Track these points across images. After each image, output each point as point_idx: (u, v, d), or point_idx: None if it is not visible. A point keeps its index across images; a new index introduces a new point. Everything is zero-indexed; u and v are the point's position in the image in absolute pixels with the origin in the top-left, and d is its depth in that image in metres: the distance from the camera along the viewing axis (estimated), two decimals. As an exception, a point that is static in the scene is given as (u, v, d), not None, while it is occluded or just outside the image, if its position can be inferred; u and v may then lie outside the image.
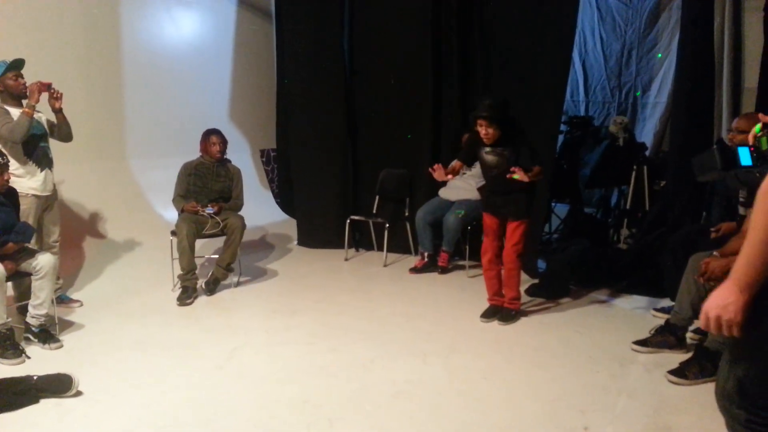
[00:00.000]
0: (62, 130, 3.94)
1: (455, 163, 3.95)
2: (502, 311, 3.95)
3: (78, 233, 5.00)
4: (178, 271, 4.38)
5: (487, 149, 3.80)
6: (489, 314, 3.97)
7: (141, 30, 5.63)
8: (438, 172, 3.80)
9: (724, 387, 1.61)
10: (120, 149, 5.59)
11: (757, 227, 1.36)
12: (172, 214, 4.87)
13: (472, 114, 3.78)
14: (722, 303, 1.45)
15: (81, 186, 5.09)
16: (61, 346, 3.43)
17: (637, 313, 4.09)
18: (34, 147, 3.77)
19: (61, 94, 3.82)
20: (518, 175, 3.57)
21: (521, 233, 3.78)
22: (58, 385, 2.81)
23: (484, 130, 3.71)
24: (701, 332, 3.46)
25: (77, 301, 4.17)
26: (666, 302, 4.06)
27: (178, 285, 4.38)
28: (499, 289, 3.98)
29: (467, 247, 5.00)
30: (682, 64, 4.66)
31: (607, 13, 7.15)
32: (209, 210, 4.45)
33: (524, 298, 4.24)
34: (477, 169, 4.91)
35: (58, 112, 3.86)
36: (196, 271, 4.39)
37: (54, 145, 3.97)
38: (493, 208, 3.90)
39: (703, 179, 2.28)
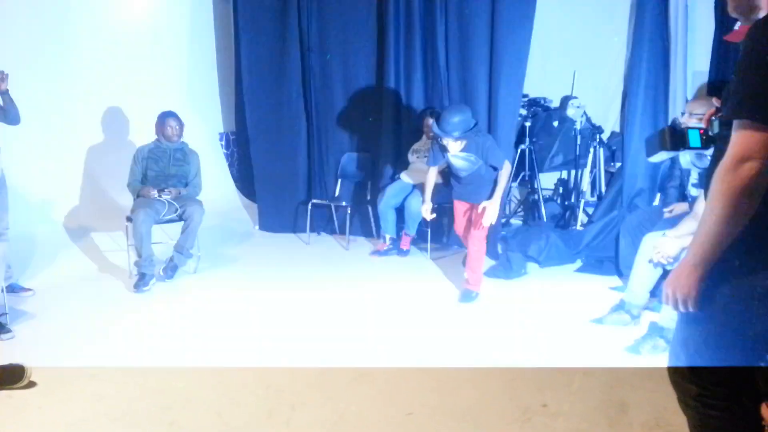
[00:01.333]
0: (9, 113, 3.78)
1: (431, 174, 4.00)
2: (463, 291, 4.00)
3: (29, 220, 4.83)
4: (134, 257, 4.27)
5: (455, 153, 3.85)
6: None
7: (92, 9, 5.43)
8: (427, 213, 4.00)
9: (676, 363, 1.67)
10: (71, 132, 5.41)
11: (710, 207, 1.42)
12: (127, 200, 4.74)
13: (437, 131, 3.77)
14: (677, 279, 1.52)
15: (31, 171, 4.92)
16: (13, 337, 3.33)
17: (593, 292, 4.18)
18: (-21, 131, 3.63)
19: (7, 75, 3.68)
20: (488, 218, 3.68)
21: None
22: (10, 376, 2.73)
23: (450, 146, 3.76)
24: (655, 310, 3.58)
25: (29, 289, 4.04)
26: (621, 281, 4.18)
27: (135, 272, 4.28)
28: None
29: (429, 229, 5.02)
30: (637, 49, 4.75)
31: (566, -3, 7.19)
32: (166, 195, 4.36)
33: (484, 278, 4.29)
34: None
35: (3, 93, 3.71)
36: (154, 258, 4.30)
37: (0, 129, 3.81)
38: (464, 195, 3.96)
39: (653, 160, 2.31)
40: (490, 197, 3.79)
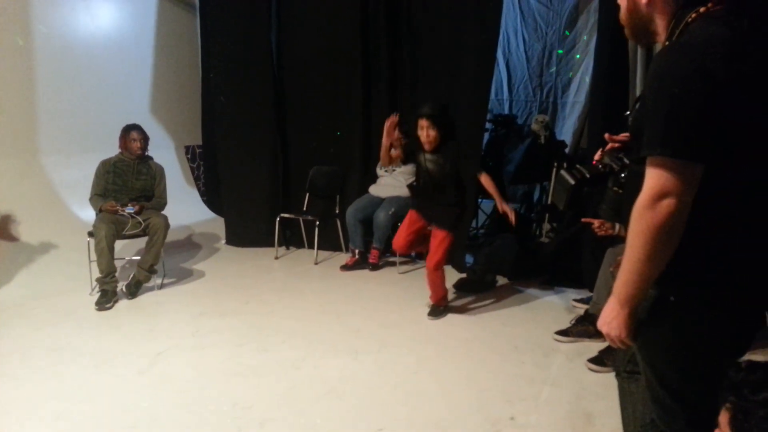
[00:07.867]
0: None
1: (395, 150, 4.03)
2: (431, 306, 4.01)
3: (-15, 235, 4.69)
4: (96, 274, 4.17)
5: (428, 156, 3.82)
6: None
7: (54, 19, 5.32)
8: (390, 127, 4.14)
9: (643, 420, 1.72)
10: (32, 145, 5.27)
11: (631, 247, 1.36)
12: (89, 214, 4.64)
13: (416, 113, 3.80)
14: (608, 320, 1.49)
15: (-12, 185, 4.78)
16: (-33, 357, 3.21)
17: (558, 304, 4.26)
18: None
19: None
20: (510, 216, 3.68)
21: (445, 249, 3.79)
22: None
23: (425, 132, 3.72)
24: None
25: (-15, 307, 3.91)
26: (585, 293, 4.26)
27: (97, 289, 4.18)
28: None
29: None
30: (599, 66, 4.87)
31: (529, 15, 7.38)
32: (129, 209, 4.27)
33: (452, 292, 4.32)
34: (407, 167, 4.97)
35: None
36: (116, 274, 4.20)
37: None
38: (423, 210, 3.95)
39: (562, 205, 2.10)
40: (445, 223, 3.80)
